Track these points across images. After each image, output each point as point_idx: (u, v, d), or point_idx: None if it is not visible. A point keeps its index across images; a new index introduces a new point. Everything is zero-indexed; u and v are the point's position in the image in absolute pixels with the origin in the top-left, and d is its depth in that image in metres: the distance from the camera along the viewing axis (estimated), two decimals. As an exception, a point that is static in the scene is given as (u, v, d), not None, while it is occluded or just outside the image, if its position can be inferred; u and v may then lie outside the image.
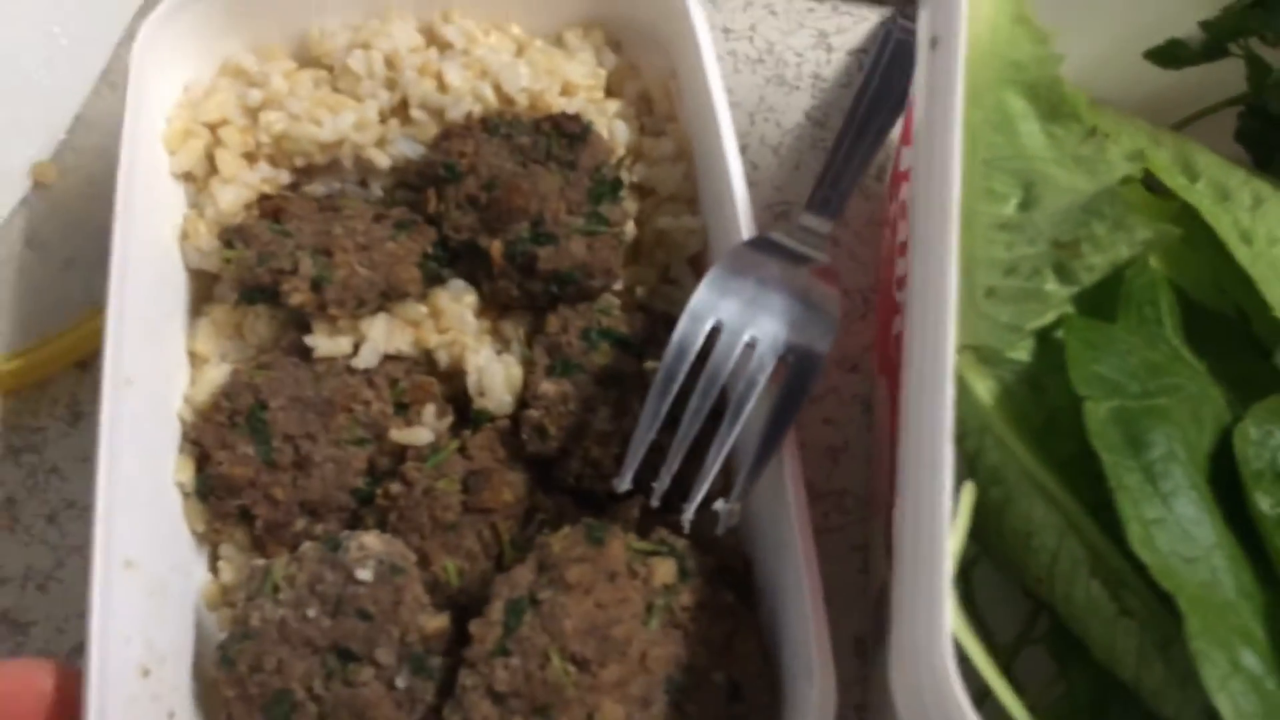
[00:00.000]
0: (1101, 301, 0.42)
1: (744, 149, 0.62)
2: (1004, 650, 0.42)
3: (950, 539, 0.32)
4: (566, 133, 0.51)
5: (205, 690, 0.46)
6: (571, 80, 0.53)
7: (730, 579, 0.45)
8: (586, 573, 0.42)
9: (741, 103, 0.63)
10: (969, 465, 0.39)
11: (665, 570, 0.43)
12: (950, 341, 0.35)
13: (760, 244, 0.48)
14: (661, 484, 0.44)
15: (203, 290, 0.52)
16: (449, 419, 0.49)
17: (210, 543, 0.49)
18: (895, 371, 0.46)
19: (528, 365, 0.49)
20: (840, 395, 0.55)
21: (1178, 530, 0.35)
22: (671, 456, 0.44)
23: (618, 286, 0.52)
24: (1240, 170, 0.47)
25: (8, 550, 0.54)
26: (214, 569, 0.48)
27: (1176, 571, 0.34)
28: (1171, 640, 0.35)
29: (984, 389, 0.40)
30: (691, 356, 0.44)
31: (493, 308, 0.51)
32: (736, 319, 0.45)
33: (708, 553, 0.45)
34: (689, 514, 0.43)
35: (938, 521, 0.32)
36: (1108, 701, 0.39)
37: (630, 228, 0.52)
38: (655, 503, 0.44)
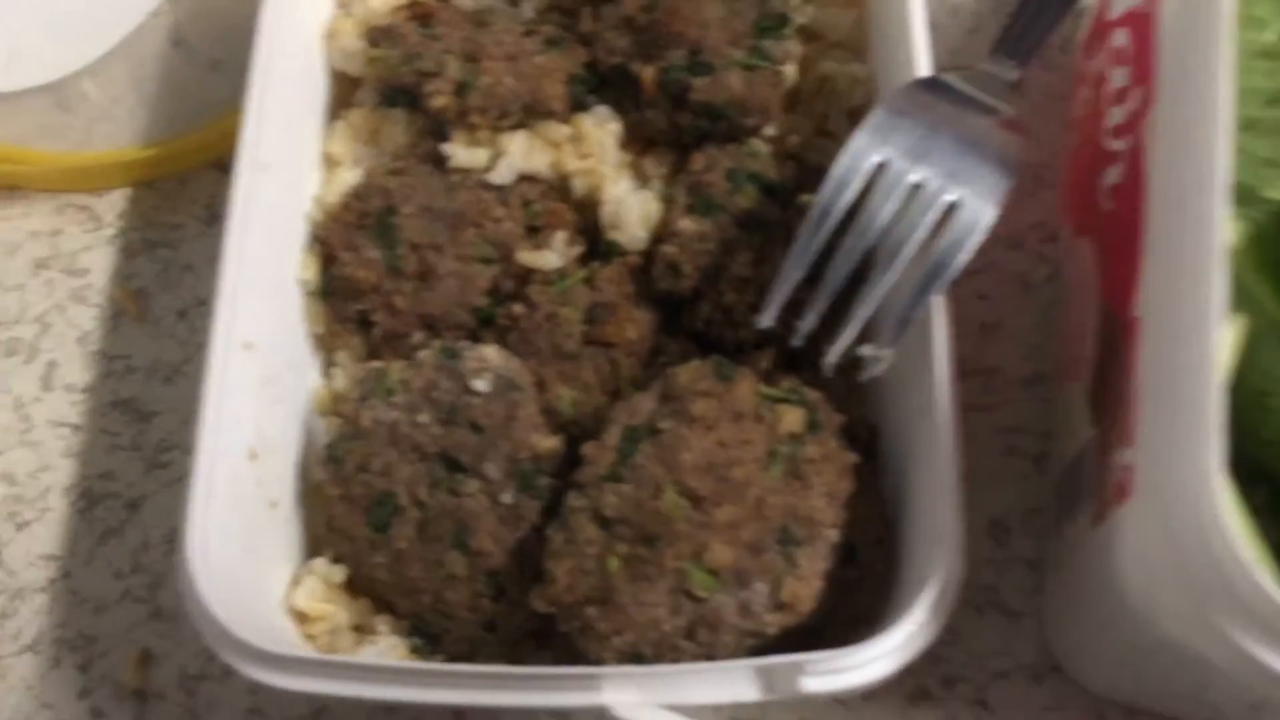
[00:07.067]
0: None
1: (919, 10, 0.58)
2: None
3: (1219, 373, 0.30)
4: (735, -42, 0.47)
5: (308, 491, 0.46)
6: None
7: (856, 444, 0.42)
8: (711, 408, 0.39)
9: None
10: None
11: (793, 419, 0.40)
12: (1223, 162, 0.33)
13: (932, 84, 0.43)
14: (808, 322, 0.41)
15: (342, 94, 0.51)
16: (578, 249, 0.47)
17: (327, 348, 0.48)
18: (1107, 227, 0.42)
19: (666, 205, 0.47)
20: (998, 272, 0.51)
21: None
22: (820, 294, 0.40)
23: (771, 132, 0.48)
24: None
25: (137, 340, 0.54)
26: (328, 374, 0.48)
27: None
28: None
29: (1231, 229, 0.36)
30: (851, 192, 0.40)
31: (636, 141, 0.48)
32: (901, 158, 0.41)
33: (838, 411, 0.42)
34: (832, 357, 0.40)
35: (1205, 355, 0.30)
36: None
37: (792, 70, 0.48)
38: (798, 342, 0.41)
